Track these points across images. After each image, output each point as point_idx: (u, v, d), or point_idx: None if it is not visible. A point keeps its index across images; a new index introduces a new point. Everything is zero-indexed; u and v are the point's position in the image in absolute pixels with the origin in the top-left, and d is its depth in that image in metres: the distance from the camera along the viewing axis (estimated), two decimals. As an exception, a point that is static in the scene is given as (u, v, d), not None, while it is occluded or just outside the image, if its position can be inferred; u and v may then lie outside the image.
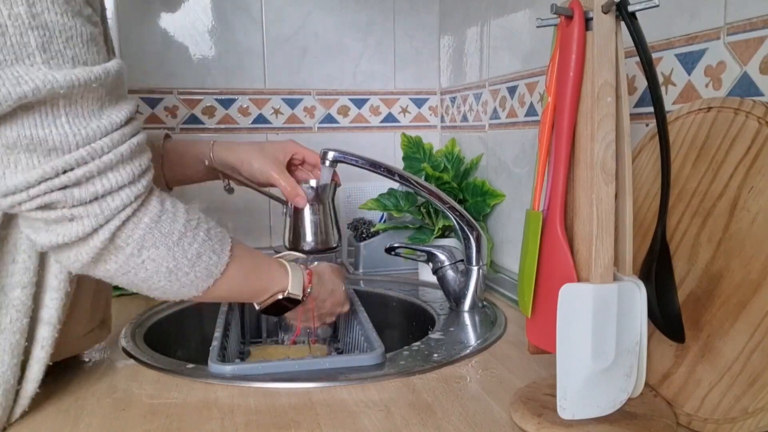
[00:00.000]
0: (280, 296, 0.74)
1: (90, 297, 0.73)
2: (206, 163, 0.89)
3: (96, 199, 0.54)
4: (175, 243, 0.60)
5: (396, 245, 1.01)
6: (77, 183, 0.53)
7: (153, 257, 0.59)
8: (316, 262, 0.86)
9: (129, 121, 0.57)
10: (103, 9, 0.61)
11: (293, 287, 0.74)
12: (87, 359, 0.79)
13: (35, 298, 0.62)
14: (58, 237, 0.55)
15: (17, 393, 0.62)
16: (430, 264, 0.99)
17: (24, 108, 0.50)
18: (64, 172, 0.52)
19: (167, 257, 0.60)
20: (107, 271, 0.59)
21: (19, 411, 0.63)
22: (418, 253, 1.01)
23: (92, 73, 0.52)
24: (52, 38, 0.50)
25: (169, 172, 0.89)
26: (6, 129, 0.51)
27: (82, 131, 0.52)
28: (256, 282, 0.72)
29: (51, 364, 0.65)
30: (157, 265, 0.59)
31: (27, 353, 0.62)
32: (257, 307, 0.75)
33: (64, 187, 0.53)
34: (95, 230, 0.55)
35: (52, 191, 0.52)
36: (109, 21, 1.30)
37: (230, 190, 0.94)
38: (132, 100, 0.58)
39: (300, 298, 0.75)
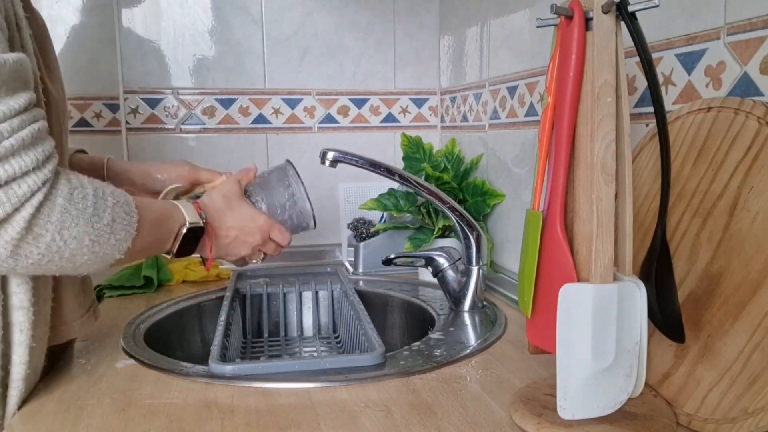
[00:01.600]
0: (183, 230, 0.73)
1: (73, 281, 0.74)
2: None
3: (3, 185, 0.53)
4: (92, 215, 0.59)
5: (393, 256, 1.01)
6: None
7: (74, 235, 0.58)
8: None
9: (28, 108, 0.56)
10: (16, 4, 0.61)
11: (189, 216, 0.74)
12: (86, 359, 0.79)
13: (2, 286, 0.62)
14: None
15: (8, 378, 0.64)
16: (430, 268, 0.99)
17: None
18: None
19: (88, 230, 0.59)
20: (31, 264, 0.57)
21: (15, 394, 0.65)
22: (416, 260, 1.01)
23: None
24: None
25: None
26: None
27: None
28: (162, 226, 0.72)
29: (59, 357, 0.65)
30: (79, 242, 0.58)
31: (8, 339, 0.64)
32: (169, 257, 0.75)
33: None
34: (5, 219, 0.53)
35: None
36: (110, 21, 1.30)
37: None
38: (31, 91, 0.58)
39: (201, 224, 0.75)
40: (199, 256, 0.80)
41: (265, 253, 0.86)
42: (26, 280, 0.64)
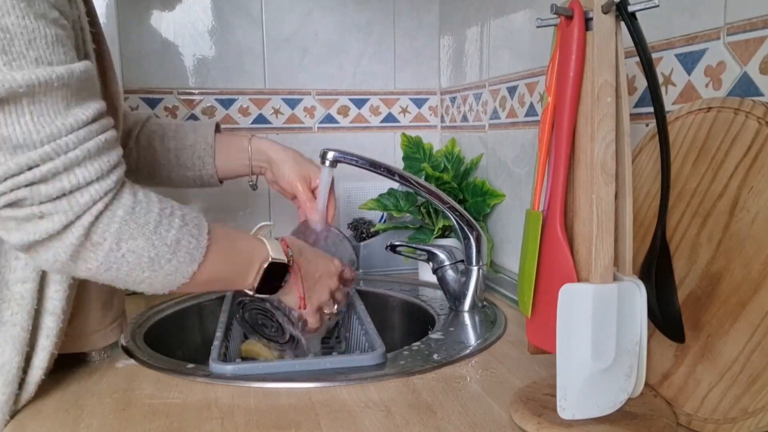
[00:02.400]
0: (265, 264, 0.72)
1: (101, 293, 0.74)
2: (247, 155, 0.94)
3: (64, 195, 0.55)
4: (152, 231, 0.60)
5: (397, 243, 1.01)
6: (43, 179, 0.54)
7: (133, 249, 0.59)
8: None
9: (97, 119, 0.57)
10: (81, 14, 0.62)
11: (274, 252, 0.72)
12: (87, 359, 0.78)
13: (40, 290, 0.63)
14: (29, 235, 0.55)
15: (24, 380, 0.65)
16: (431, 263, 0.99)
17: (10, 99, 0.51)
18: (29, 168, 0.53)
19: (147, 247, 0.60)
20: (89, 270, 0.59)
21: (25, 397, 0.65)
22: (419, 252, 1.01)
23: (54, 72, 0.53)
24: (12, 40, 0.51)
25: (220, 165, 0.94)
26: None
27: (47, 128, 0.53)
28: (238, 258, 0.71)
29: (59, 357, 0.67)
30: (138, 257, 0.59)
31: (33, 342, 0.65)
32: (251, 293, 0.73)
33: (30, 184, 0.53)
34: (66, 227, 0.55)
35: (18, 188, 0.53)
36: (110, 21, 1.30)
37: (254, 187, 0.97)
38: (101, 100, 0.59)
39: (285, 261, 0.73)
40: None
41: (337, 302, 0.84)
42: (65, 287, 0.64)
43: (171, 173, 0.95)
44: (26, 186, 0.53)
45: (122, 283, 0.62)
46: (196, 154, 0.94)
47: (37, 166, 0.53)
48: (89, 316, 0.74)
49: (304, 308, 0.78)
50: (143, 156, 0.93)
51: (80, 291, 0.70)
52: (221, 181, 0.97)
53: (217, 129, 0.97)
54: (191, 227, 0.63)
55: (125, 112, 0.94)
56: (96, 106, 0.57)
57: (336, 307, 0.83)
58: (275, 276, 0.73)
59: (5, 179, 0.53)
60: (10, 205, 0.54)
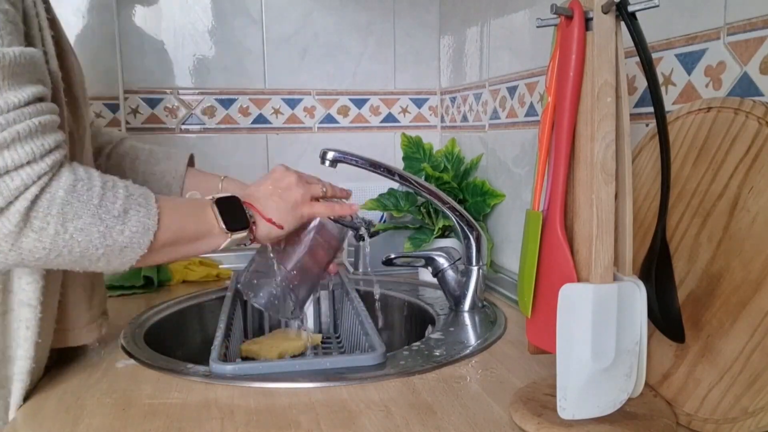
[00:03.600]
0: (214, 203, 0.69)
1: (84, 283, 0.74)
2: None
3: (3, 174, 0.53)
4: (97, 206, 0.58)
5: (393, 256, 1.01)
6: None
7: (80, 227, 0.57)
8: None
9: (32, 102, 0.56)
10: (38, 5, 0.62)
11: (215, 194, 0.70)
12: (87, 359, 0.79)
13: (11, 283, 0.63)
14: None
15: (12, 371, 0.66)
16: (430, 268, 0.99)
17: None
18: None
19: (94, 222, 0.58)
20: (39, 259, 0.57)
21: (19, 386, 0.66)
22: (416, 260, 1.01)
23: None
24: None
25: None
26: None
27: None
28: (189, 211, 0.68)
29: (60, 357, 0.67)
30: (87, 234, 0.58)
31: (14, 334, 0.65)
32: (227, 237, 0.69)
33: None
34: (2, 209, 0.53)
35: None
36: (110, 21, 1.30)
37: None
38: (40, 86, 0.58)
39: (229, 194, 0.71)
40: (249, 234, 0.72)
41: (317, 197, 0.78)
42: (36, 279, 0.64)
43: None
44: None
45: (81, 267, 0.61)
46: (164, 182, 0.90)
47: None
48: (71, 309, 0.73)
49: (280, 228, 0.74)
50: (112, 174, 0.91)
51: (63, 280, 0.70)
52: None
53: (191, 162, 0.94)
54: (137, 197, 0.62)
55: (98, 129, 0.93)
56: (33, 90, 0.56)
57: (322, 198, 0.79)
58: (236, 212, 0.70)
59: None
60: None
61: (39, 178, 0.55)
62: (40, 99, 0.57)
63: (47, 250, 0.56)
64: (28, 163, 0.55)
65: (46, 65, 0.61)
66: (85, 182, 0.58)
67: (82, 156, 0.72)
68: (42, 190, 0.55)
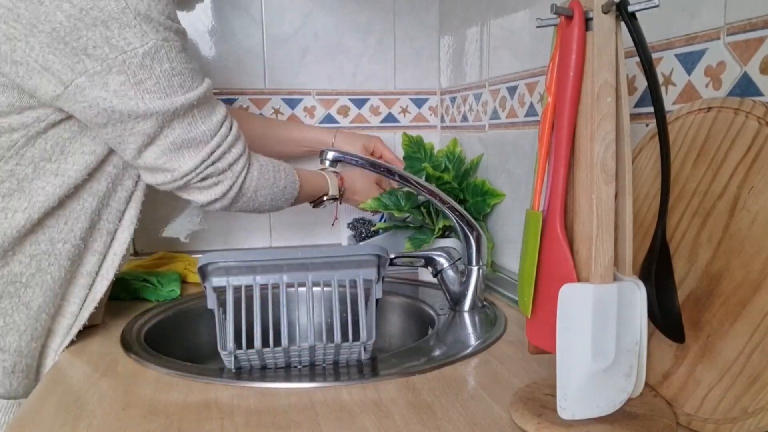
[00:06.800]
0: (325, 197, 1.09)
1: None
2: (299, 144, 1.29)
3: (230, 166, 0.86)
4: (272, 183, 0.93)
5: (393, 256, 1.00)
6: (219, 158, 0.84)
7: (263, 194, 0.92)
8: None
9: (226, 114, 0.85)
10: None
11: (332, 190, 1.09)
12: (87, 359, 0.79)
13: (126, 204, 0.88)
14: (211, 195, 0.86)
15: (84, 305, 0.85)
16: (430, 268, 0.99)
17: (178, 116, 0.79)
18: (211, 153, 0.83)
19: (270, 193, 0.93)
20: (239, 207, 0.91)
21: (86, 315, 0.84)
22: (416, 260, 1.01)
23: (198, 92, 0.80)
24: (184, 76, 0.79)
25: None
26: (170, 134, 0.79)
27: (210, 126, 0.82)
28: (313, 191, 1.06)
29: (61, 358, 0.75)
30: (264, 198, 0.93)
31: (96, 274, 0.86)
32: (312, 206, 1.11)
33: (213, 163, 0.83)
34: (231, 186, 0.87)
35: (208, 167, 0.83)
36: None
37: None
38: (221, 102, 0.87)
39: (337, 195, 1.10)
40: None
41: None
42: (137, 204, 0.88)
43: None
44: (211, 164, 0.83)
45: (256, 211, 0.95)
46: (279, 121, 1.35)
47: (214, 152, 0.83)
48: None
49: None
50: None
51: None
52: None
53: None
54: (290, 176, 0.97)
55: None
56: (222, 106, 0.86)
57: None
58: (338, 190, 1.12)
59: (202, 163, 0.82)
60: (203, 179, 0.84)
61: (247, 162, 0.88)
62: (226, 109, 0.86)
63: (245, 203, 0.91)
64: (241, 154, 0.87)
65: None
66: (266, 167, 0.92)
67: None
68: (248, 170, 0.88)
